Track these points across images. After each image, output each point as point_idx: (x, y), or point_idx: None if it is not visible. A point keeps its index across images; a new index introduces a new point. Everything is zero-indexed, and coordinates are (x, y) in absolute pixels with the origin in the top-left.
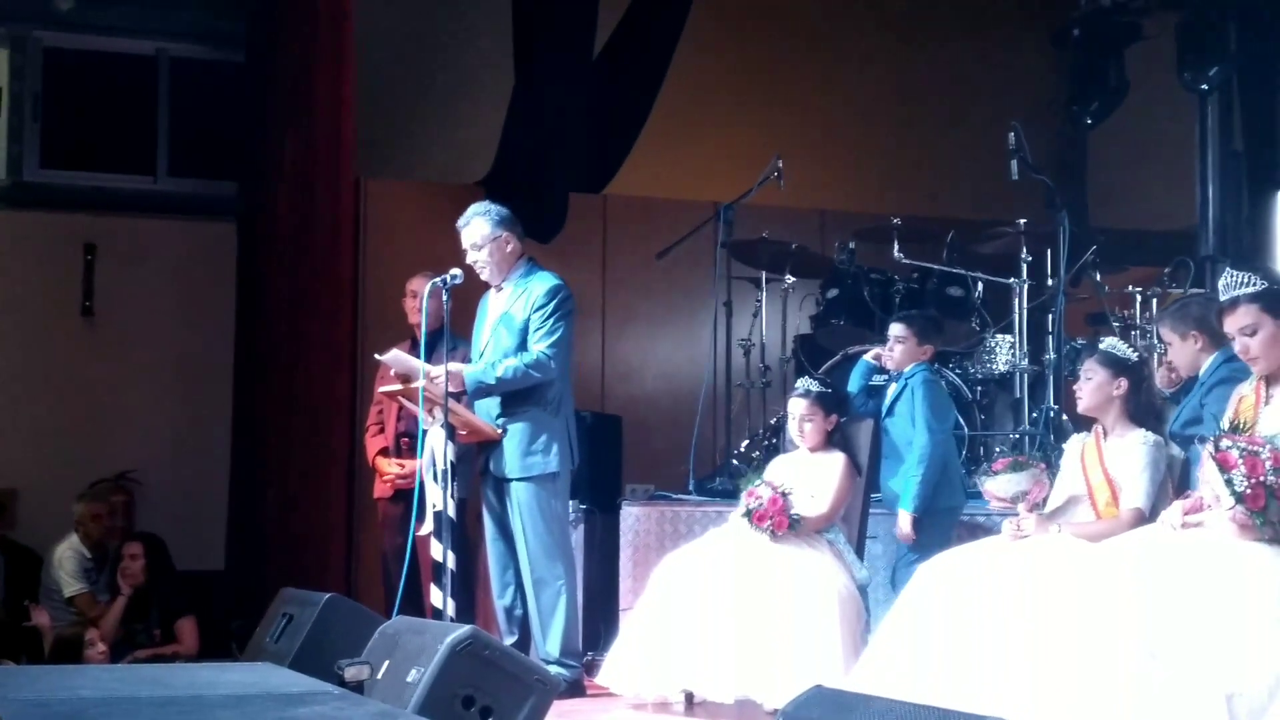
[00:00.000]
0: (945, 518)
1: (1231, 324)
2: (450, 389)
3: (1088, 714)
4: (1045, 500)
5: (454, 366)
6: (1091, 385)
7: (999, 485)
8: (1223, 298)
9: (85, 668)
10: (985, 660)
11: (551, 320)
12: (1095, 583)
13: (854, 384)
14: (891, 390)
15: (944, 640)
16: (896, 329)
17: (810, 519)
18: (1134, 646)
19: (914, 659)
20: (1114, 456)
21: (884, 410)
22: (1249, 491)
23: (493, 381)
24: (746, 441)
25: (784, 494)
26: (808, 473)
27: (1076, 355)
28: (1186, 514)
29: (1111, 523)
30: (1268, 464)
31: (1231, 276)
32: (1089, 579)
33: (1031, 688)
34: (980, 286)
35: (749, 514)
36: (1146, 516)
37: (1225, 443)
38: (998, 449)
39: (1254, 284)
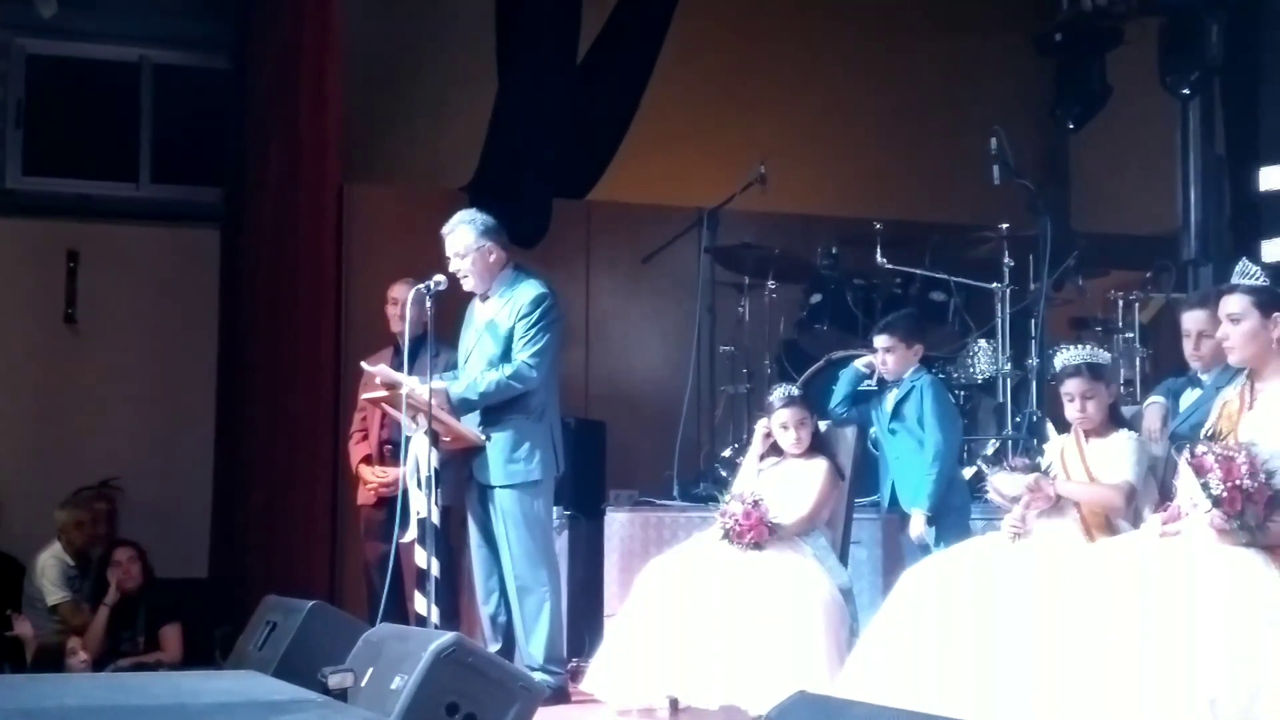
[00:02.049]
0: (957, 517)
1: (1223, 308)
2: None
3: (1073, 718)
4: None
5: (437, 385)
6: (1096, 403)
7: (1005, 482)
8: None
9: (69, 676)
10: (971, 664)
11: (535, 330)
12: (1080, 588)
13: (840, 391)
14: (892, 396)
15: (930, 644)
16: (882, 340)
17: (790, 523)
18: (1118, 651)
19: (901, 663)
20: (1097, 457)
21: (888, 415)
22: (1225, 495)
23: (475, 397)
24: (731, 447)
25: (756, 502)
26: (792, 476)
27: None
28: (1165, 524)
29: (1105, 489)
30: (1243, 468)
31: (1245, 266)
32: (1074, 584)
33: (1017, 692)
34: (963, 291)
35: (727, 535)
36: (1137, 491)
37: (1200, 448)
38: (980, 457)
39: (1258, 278)
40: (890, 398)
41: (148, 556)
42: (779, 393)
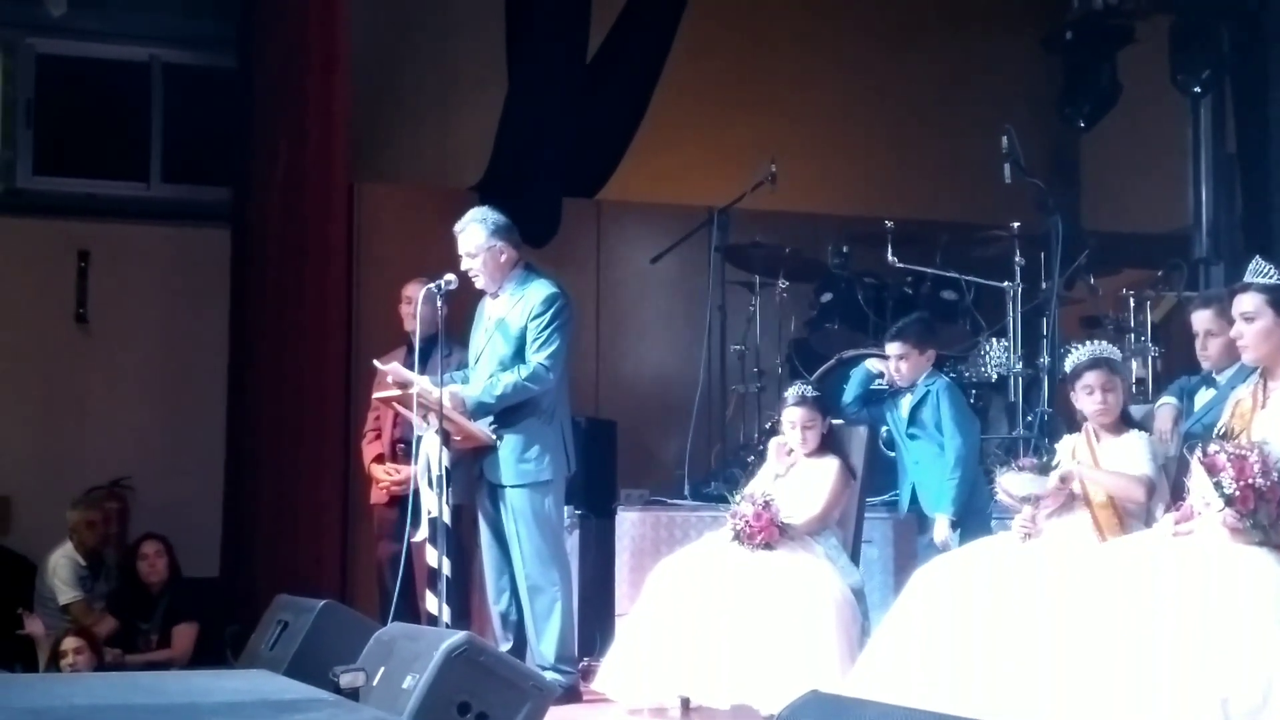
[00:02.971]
0: (981, 517)
1: (1236, 306)
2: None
3: (1084, 717)
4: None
5: (453, 388)
6: (1115, 396)
7: (1013, 482)
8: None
9: (80, 675)
10: (982, 663)
11: (548, 331)
12: (1092, 587)
13: (851, 392)
14: (907, 401)
15: (941, 644)
16: (895, 348)
17: (801, 523)
18: (1130, 650)
19: (912, 662)
20: (1109, 456)
21: (905, 420)
22: (1238, 494)
23: (492, 401)
24: (741, 446)
25: (766, 503)
26: (802, 476)
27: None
28: (1177, 523)
29: (1129, 479)
30: (1256, 467)
31: (1259, 264)
32: (1086, 583)
33: (1028, 691)
34: (974, 290)
35: (738, 536)
36: (1156, 486)
37: (1213, 447)
38: (993, 453)
39: (1272, 276)
40: (905, 403)
41: (174, 552)
42: (794, 390)
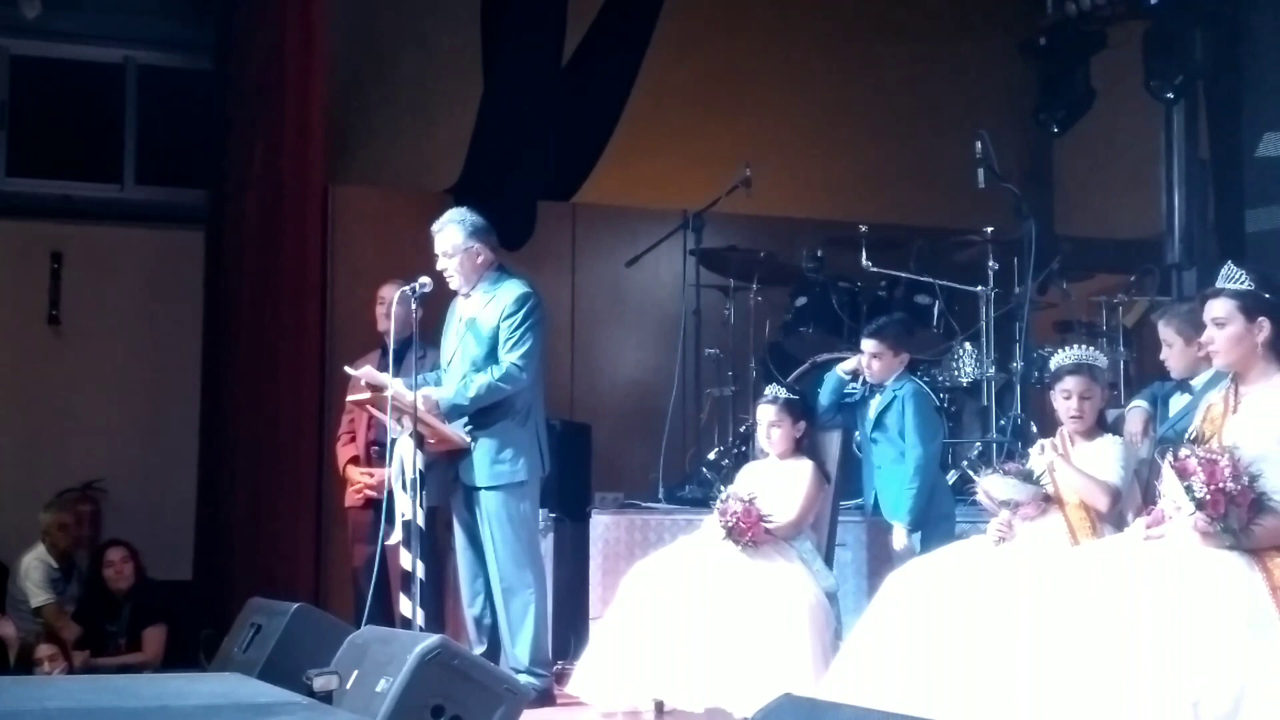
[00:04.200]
0: (944, 524)
1: (1208, 311)
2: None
3: None
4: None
5: (426, 391)
6: (1091, 405)
7: (995, 485)
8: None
9: (52, 678)
10: (955, 667)
11: (521, 330)
12: (1065, 591)
13: (825, 398)
14: (876, 402)
15: (915, 647)
16: (870, 345)
17: (778, 526)
18: (1102, 654)
19: (886, 666)
20: (1081, 460)
21: (871, 422)
22: (1208, 498)
23: (466, 403)
24: (716, 450)
25: (752, 501)
26: (775, 479)
27: (1044, 363)
28: (1149, 527)
29: (1096, 483)
30: (1226, 471)
31: (1230, 269)
32: (1058, 587)
33: (1001, 695)
34: (947, 294)
35: (730, 532)
36: (1122, 494)
37: (1184, 451)
38: (966, 460)
39: (1243, 282)
40: (873, 405)
41: (140, 556)
42: (770, 389)
